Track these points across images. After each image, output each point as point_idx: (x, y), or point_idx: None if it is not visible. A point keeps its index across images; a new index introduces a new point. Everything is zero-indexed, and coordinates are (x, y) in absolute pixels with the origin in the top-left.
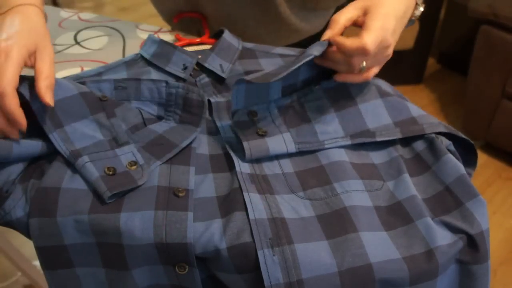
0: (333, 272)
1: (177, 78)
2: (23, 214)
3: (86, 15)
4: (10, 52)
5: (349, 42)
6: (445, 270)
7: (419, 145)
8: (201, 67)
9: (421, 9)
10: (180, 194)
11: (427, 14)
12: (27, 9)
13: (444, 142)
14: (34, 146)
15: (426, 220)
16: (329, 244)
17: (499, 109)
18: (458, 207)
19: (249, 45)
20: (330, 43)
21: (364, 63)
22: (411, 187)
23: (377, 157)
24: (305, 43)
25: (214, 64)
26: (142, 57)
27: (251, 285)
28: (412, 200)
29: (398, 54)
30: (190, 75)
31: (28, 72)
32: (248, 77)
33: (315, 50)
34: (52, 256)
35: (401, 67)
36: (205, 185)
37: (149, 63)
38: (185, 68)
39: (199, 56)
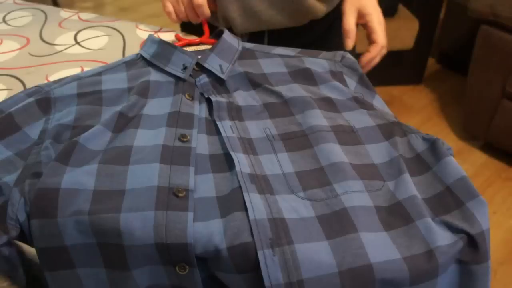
0: (333, 272)
1: (177, 78)
2: (25, 217)
3: (86, 15)
4: None
5: (374, 52)
6: (446, 270)
7: (420, 146)
8: (201, 68)
9: None
10: (180, 194)
11: (427, 14)
12: None
13: (445, 145)
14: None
15: (426, 220)
16: (329, 245)
17: (499, 109)
18: (459, 207)
19: (249, 45)
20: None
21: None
22: (412, 187)
23: (377, 157)
24: (308, 45)
25: (214, 64)
26: (142, 57)
27: (251, 285)
28: (413, 200)
29: (398, 54)
30: (190, 75)
31: None
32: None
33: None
34: (53, 257)
35: (401, 67)
36: (205, 185)
37: (149, 63)
38: (184, 68)
39: (199, 57)
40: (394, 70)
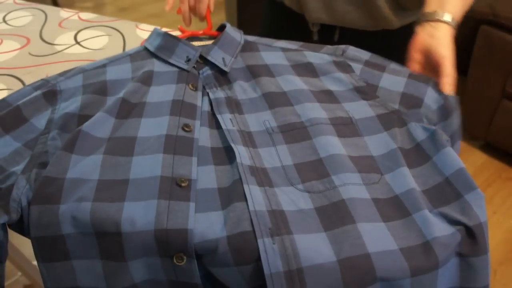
0: (332, 261)
1: (180, 70)
2: (26, 202)
3: (86, 15)
4: None
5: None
6: (446, 263)
7: (420, 135)
8: (204, 60)
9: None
10: (183, 184)
11: None
12: None
13: (444, 136)
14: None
15: (423, 213)
16: (327, 236)
17: (499, 109)
18: (457, 199)
19: (251, 38)
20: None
21: None
22: (409, 180)
23: (375, 149)
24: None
25: (217, 57)
26: (146, 49)
27: (248, 278)
28: (410, 194)
29: None
30: (194, 67)
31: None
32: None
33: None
34: (49, 247)
35: None
36: (207, 177)
37: (153, 55)
38: (188, 60)
39: (202, 49)
40: None
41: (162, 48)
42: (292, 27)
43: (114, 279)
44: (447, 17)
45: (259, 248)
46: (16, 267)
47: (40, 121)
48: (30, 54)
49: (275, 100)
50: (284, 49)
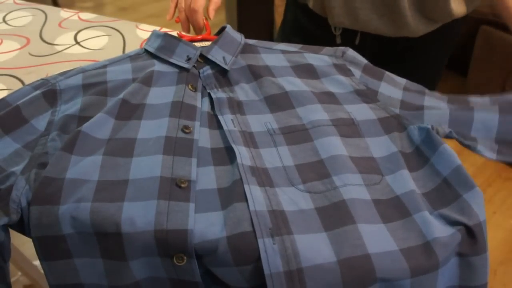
0: (332, 261)
1: (181, 69)
2: (26, 203)
3: (86, 15)
4: None
5: None
6: (446, 263)
7: (417, 136)
8: (205, 60)
9: None
10: (183, 185)
11: None
12: None
13: (442, 131)
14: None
15: (423, 214)
16: (327, 236)
17: None
18: (456, 199)
19: (251, 41)
20: None
21: None
22: (409, 182)
23: (377, 151)
24: (394, 61)
25: (217, 56)
26: (146, 51)
27: (248, 278)
28: (410, 195)
29: None
30: (194, 66)
31: None
32: None
33: None
34: (50, 246)
35: None
36: (207, 177)
37: (153, 56)
38: (188, 59)
39: (203, 48)
40: None
41: (162, 48)
42: (315, 28)
43: (116, 277)
44: None
45: (259, 248)
46: (16, 267)
47: (40, 122)
48: (30, 54)
49: (277, 103)
50: (284, 51)
